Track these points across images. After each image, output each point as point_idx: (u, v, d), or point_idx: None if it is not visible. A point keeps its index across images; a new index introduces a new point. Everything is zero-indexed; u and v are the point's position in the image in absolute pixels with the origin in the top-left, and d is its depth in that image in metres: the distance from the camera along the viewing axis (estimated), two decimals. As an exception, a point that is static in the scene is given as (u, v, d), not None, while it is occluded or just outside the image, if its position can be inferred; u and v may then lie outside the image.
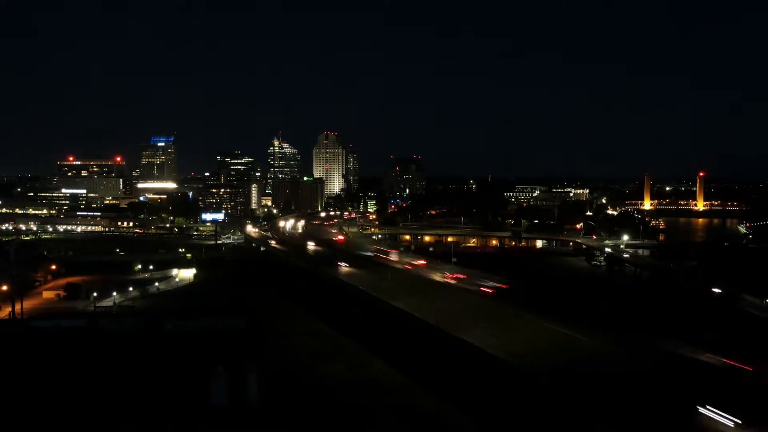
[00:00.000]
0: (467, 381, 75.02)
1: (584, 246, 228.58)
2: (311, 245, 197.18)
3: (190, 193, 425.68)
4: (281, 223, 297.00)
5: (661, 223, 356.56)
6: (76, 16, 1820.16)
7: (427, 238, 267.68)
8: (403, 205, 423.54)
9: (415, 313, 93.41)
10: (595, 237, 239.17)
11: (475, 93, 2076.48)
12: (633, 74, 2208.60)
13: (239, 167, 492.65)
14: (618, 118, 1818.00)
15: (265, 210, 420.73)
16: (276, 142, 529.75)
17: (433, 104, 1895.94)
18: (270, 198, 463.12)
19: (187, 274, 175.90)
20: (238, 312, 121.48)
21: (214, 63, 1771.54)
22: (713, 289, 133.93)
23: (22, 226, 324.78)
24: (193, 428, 68.75)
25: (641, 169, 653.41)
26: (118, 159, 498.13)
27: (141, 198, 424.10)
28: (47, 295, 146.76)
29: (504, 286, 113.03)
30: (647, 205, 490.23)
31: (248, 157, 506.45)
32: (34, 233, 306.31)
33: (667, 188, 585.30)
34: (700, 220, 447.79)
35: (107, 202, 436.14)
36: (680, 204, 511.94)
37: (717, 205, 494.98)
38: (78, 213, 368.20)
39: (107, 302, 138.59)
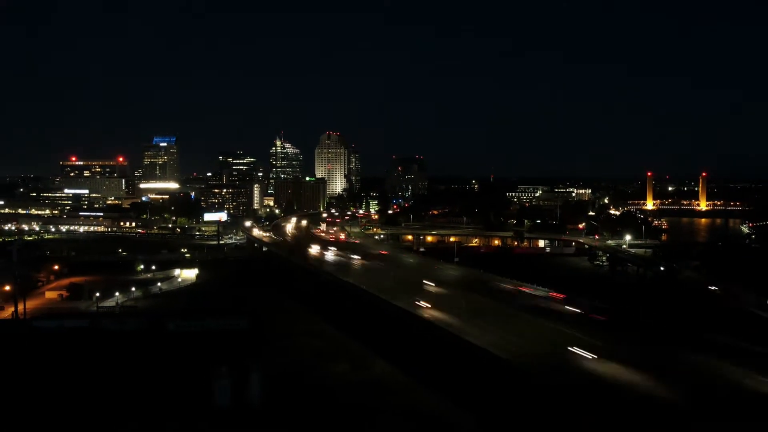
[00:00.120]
0: (469, 379, 74.99)
1: (587, 246, 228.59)
2: (313, 245, 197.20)
3: (193, 194, 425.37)
4: (283, 224, 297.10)
5: (664, 223, 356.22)
6: (76, 16, 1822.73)
7: (429, 238, 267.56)
8: (405, 205, 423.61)
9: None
10: (597, 237, 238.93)
11: (475, 93, 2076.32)
12: (633, 74, 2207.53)
13: (241, 167, 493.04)
14: (618, 118, 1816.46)
15: (267, 210, 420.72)
16: (278, 142, 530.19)
17: (433, 104, 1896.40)
18: (272, 198, 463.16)
19: (189, 274, 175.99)
20: (240, 312, 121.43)
21: (214, 63, 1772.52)
22: (716, 289, 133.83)
23: (25, 227, 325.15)
24: (196, 428, 68.69)
25: (641, 169, 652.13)
26: (121, 159, 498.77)
27: (143, 198, 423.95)
28: (50, 295, 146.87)
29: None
30: (650, 205, 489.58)
31: (250, 157, 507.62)
32: (37, 233, 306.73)
33: (670, 188, 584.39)
34: (703, 220, 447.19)
35: (110, 202, 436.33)
36: (683, 204, 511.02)
37: (720, 205, 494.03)
38: (80, 213, 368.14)
39: (110, 302, 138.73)
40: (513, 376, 68.14)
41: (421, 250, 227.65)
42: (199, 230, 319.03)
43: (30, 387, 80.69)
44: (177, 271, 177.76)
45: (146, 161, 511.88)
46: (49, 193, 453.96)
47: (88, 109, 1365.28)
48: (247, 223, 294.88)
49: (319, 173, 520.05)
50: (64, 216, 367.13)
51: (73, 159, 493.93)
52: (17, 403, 75.08)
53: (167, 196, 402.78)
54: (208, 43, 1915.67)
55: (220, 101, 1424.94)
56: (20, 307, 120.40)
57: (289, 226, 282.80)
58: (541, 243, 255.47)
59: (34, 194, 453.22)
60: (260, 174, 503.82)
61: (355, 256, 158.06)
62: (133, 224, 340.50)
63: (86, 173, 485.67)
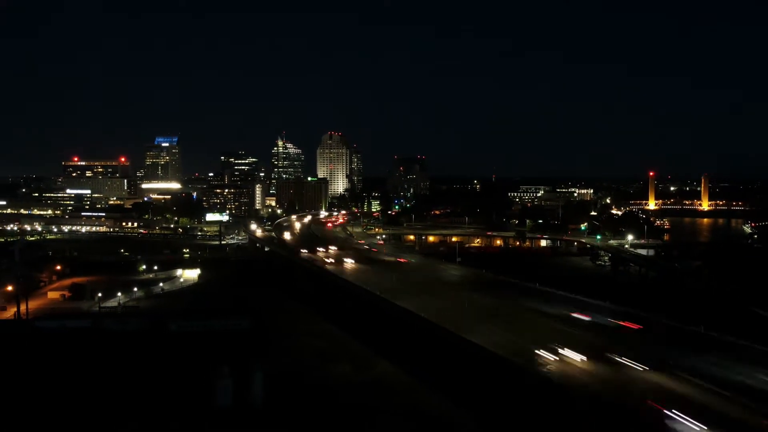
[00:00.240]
0: (470, 378, 74.95)
1: (589, 246, 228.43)
2: (315, 245, 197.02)
3: (195, 194, 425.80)
4: (285, 224, 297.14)
5: (666, 223, 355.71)
6: (76, 16, 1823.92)
7: (431, 238, 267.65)
8: (407, 205, 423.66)
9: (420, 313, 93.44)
10: (599, 237, 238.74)
11: (475, 93, 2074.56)
12: (633, 74, 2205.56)
13: (243, 167, 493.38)
14: (618, 118, 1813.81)
15: (269, 210, 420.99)
16: (280, 143, 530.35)
17: (433, 104, 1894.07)
18: (274, 198, 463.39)
19: (191, 274, 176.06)
20: (242, 312, 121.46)
21: (214, 63, 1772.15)
22: (718, 289, 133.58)
23: (27, 227, 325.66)
24: (198, 428, 68.70)
25: (641, 169, 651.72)
26: (123, 159, 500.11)
27: (145, 198, 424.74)
28: (52, 295, 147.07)
29: None
30: (652, 205, 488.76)
31: (252, 158, 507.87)
32: (39, 234, 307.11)
33: (672, 188, 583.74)
34: (705, 220, 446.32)
35: (112, 202, 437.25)
36: (685, 204, 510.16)
37: (722, 205, 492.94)
38: (82, 213, 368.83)
39: (112, 303, 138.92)
40: (519, 377, 68.02)
41: (416, 248, 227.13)
42: (201, 230, 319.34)
43: (32, 387, 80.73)
44: (179, 272, 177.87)
45: (148, 161, 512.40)
46: (51, 193, 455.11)
47: (88, 109, 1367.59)
48: (250, 224, 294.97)
49: (321, 173, 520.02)
50: (67, 216, 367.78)
51: (76, 159, 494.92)
52: (20, 403, 75.11)
53: (169, 197, 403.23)
54: (208, 43, 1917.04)
55: (220, 101, 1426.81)
56: (22, 307, 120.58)
57: (291, 227, 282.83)
58: (543, 243, 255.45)
59: (37, 194, 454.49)
60: (262, 174, 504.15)
61: (349, 260, 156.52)
62: (135, 224, 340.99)
63: (88, 173, 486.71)
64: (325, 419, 70.76)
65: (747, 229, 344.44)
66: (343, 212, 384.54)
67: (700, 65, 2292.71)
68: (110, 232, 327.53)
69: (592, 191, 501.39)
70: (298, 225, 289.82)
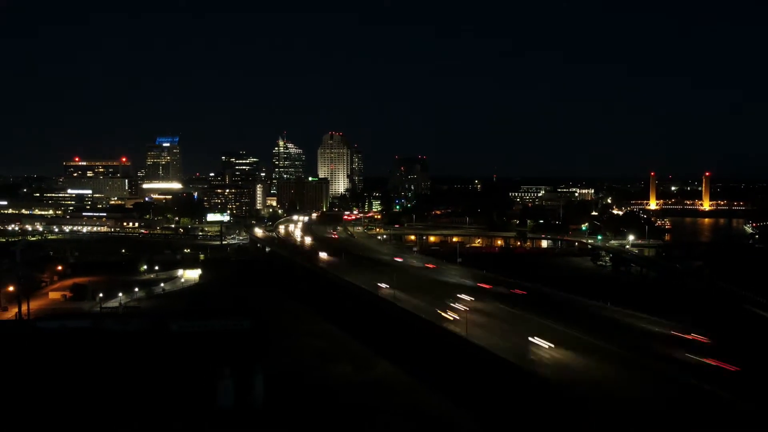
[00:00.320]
0: (470, 378, 75.03)
1: (590, 246, 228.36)
2: (315, 245, 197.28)
3: (195, 194, 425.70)
4: (286, 224, 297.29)
5: (667, 223, 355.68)
6: (76, 16, 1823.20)
7: (432, 238, 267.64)
8: (408, 205, 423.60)
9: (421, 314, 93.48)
10: (600, 237, 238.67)
11: (475, 93, 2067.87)
12: (633, 74, 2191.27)
13: (244, 167, 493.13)
14: (618, 118, 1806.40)
15: (270, 210, 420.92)
16: (281, 142, 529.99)
17: (433, 104, 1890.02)
18: (275, 198, 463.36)
19: (192, 274, 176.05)
20: (243, 313, 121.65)
21: (214, 63, 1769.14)
22: (719, 289, 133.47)
23: (28, 227, 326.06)
24: (199, 429, 68.80)
25: (642, 169, 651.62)
26: (124, 159, 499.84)
27: (146, 198, 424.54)
28: (53, 295, 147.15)
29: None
30: (653, 205, 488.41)
31: (253, 158, 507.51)
32: (40, 234, 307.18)
33: (673, 188, 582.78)
34: (706, 219, 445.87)
35: (113, 202, 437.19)
36: (686, 204, 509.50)
37: (723, 205, 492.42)
38: (84, 213, 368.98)
39: (113, 303, 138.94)
40: (518, 377, 68.13)
41: (416, 249, 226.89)
42: (202, 230, 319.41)
43: (33, 387, 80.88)
44: (180, 272, 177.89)
45: (149, 161, 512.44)
46: (52, 193, 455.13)
47: (88, 109, 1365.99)
48: (251, 225, 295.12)
49: (322, 173, 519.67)
50: (68, 216, 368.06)
51: (77, 159, 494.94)
52: (21, 403, 75.25)
53: (170, 197, 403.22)
54: (208, 43, 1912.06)
55: (220, 101, 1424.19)
56: (24, 307, 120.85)
57: (292, 227, 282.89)
58: (544, 243, 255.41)
59: (38, 194, 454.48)
60: (263, 174, 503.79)
61: (349, 260, 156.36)
62: (136, 224, 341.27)
63: (89, 173, 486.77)
64: (325, 419, 70.83)
65: (748, 229, 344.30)
66: (345, 212, 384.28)
67: (700, 65, 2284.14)
68: (111, 232, 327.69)
69: (592, 191, 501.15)
70: (298, 225, 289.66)
